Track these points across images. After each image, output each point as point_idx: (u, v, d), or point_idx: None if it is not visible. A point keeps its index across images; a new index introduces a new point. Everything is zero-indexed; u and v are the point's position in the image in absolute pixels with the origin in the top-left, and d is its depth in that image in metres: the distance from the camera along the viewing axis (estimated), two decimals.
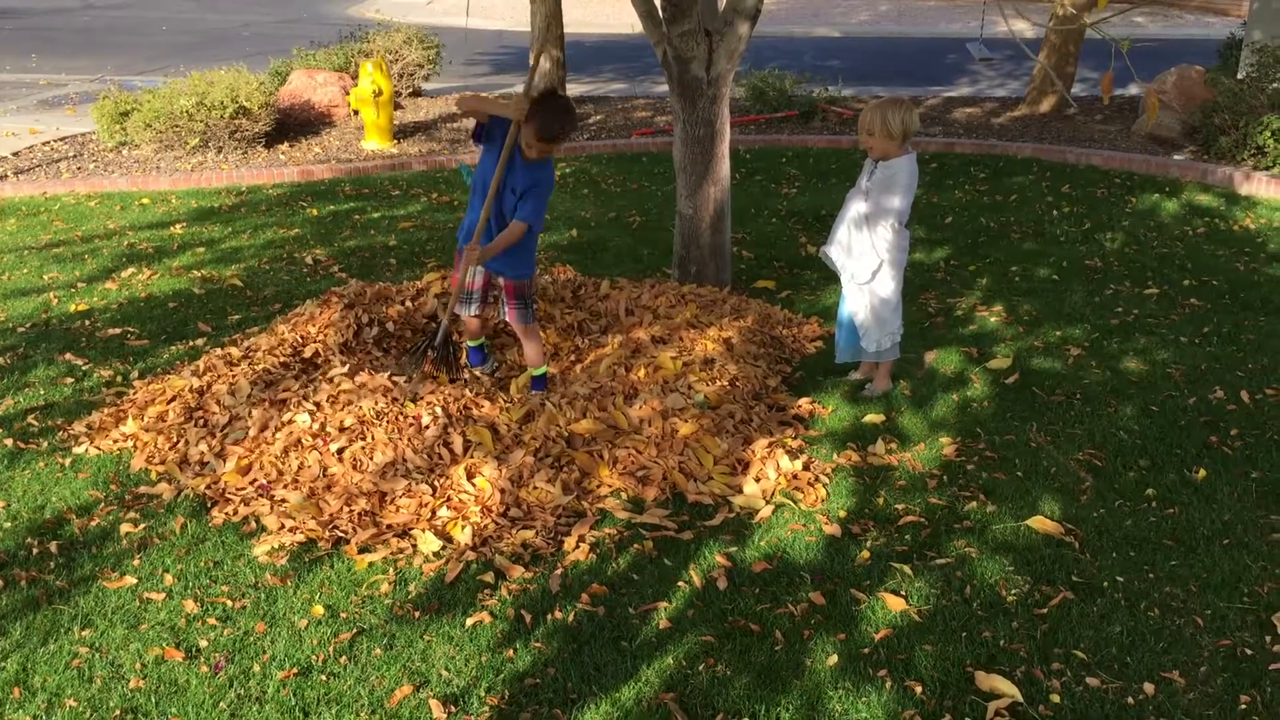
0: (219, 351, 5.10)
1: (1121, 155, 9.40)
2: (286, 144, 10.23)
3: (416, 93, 12.73)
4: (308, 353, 5.00)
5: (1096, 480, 4.17)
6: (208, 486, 4.13)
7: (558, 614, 3.43)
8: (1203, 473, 4.19)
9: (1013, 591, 3.50)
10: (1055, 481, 4.17)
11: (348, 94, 11.04)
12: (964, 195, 8.43)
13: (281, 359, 4.88)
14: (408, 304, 5.34)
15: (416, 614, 3.44)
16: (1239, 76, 10.06)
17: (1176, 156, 9.27)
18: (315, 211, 8.19)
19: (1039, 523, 3.85)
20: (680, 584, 3.59)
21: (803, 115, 11.11)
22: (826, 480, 4.21)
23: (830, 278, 6.38)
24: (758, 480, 4.17)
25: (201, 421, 4.49)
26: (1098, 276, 6.53)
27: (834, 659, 3.20)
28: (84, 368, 5.28)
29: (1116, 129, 10.45)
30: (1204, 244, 7.15)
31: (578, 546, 3.78)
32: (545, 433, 4.27)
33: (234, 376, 4.70)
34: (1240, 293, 6.18)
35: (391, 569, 3.66)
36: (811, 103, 11.23)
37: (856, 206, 4.67)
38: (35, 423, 4.71)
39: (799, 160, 9.69)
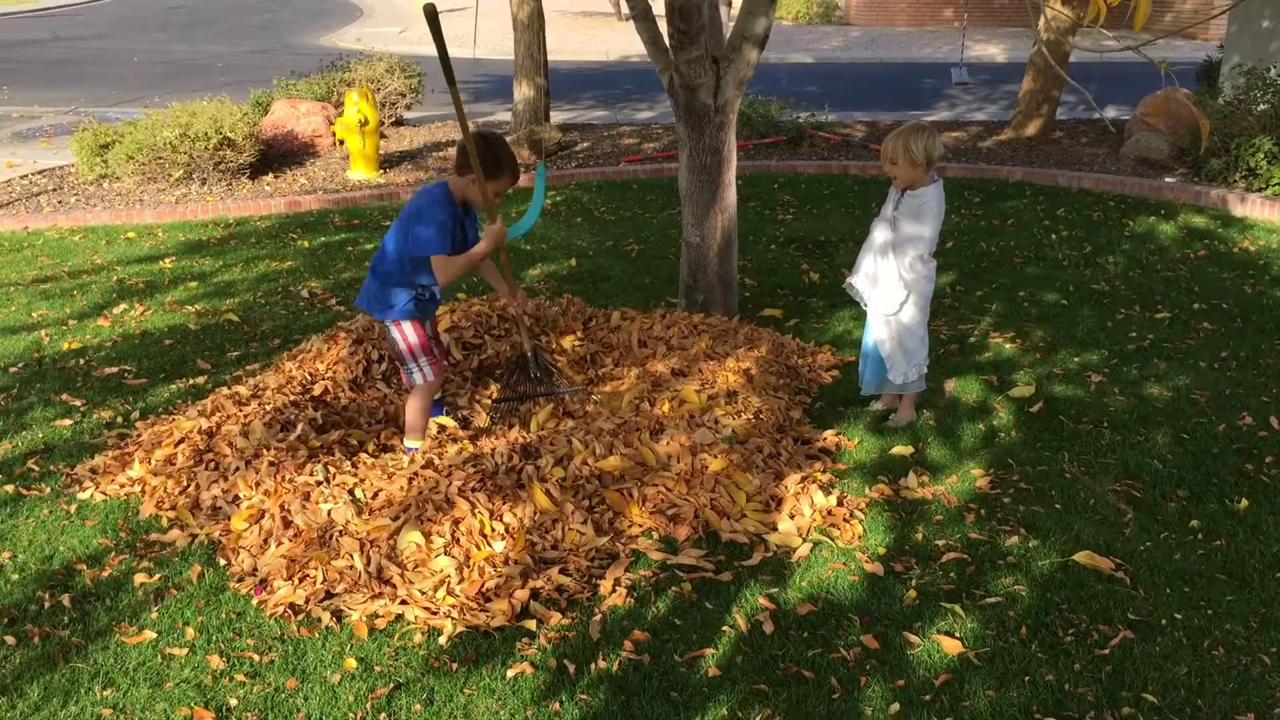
0: (226, 391, 4.93)
1: (1113, 178, 9.41)
2: (271, 175, 10.06)
3: (399, 122, 12.61)
4: (317, 390, 4.85)
5: (1137, 512, 4.08)
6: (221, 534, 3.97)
7: (601, 663, 3.30)
8: (1245, 502, 4.11)
9: (1070, 631, 3.39)
10: (1096, 514, 4.08)
11: (331, 123, 10.92)
12: (961, 220, 8.39)
13: (291, 397, 4.73)
14: None
15: (454, 665, 3.29)
16: (1222, 99, 10.12)
17: (1168, 179, 9.28)
18: (307, 243, 8.03)
19: (1087, 558, 3.74)
20: (725, 628, 3.46)
21: (790, 141, 11.07)
22: (861, 516, 4.10)
23: (837, 305, 6.31)
24: (792, 517, 4.06)
25: (212, 464, 4.32)
26: (1106, 300, 6.48)
27: (895, 707, 3.08)
28: (82, 408, 5.09)
29: (1105, 152, 10.48)
30: (1207, 267, 7.13)
31: (614, 590, 3.65)
32: (578, 471, 4.14)
33: (245, 417, 4.54)
34: (1251, 316, 6.14)
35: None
36: (798, 128, 11.20)
37: (882, 235, 4.58)
38: (36, 467, 4.53)
39: (791, 186, 9.64)
